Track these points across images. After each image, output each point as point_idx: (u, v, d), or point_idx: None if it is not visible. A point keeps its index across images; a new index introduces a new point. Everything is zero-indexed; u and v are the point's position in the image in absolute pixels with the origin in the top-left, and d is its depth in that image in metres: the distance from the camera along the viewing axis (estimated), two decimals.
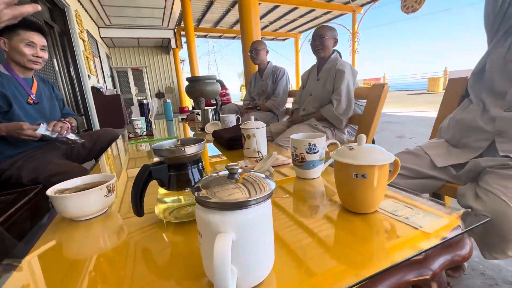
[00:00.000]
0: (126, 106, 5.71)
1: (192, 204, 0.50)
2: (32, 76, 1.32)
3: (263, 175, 0.33)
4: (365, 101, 1.64)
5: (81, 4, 5.72)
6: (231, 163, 0.32)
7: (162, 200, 0.50)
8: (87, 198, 0.49)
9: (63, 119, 1.47)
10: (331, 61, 1.66)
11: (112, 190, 0.54)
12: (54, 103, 1.44)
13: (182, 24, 7.29)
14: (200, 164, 0.51)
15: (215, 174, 0.33)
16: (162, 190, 0.49)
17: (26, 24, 1.18)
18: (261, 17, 8.77)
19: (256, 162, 0.81)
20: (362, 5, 8.17)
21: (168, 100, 2.65)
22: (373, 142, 2.51)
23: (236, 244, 0.28)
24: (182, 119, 2.58)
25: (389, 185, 0.60)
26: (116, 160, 1.20)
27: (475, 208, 0.66)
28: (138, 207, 0.43)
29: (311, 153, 0.63)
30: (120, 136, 1.76)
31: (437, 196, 1.00)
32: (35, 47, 1.21)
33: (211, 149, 1.18)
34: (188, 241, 0.44)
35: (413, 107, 7.03)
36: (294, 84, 12.46)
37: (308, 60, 1.82)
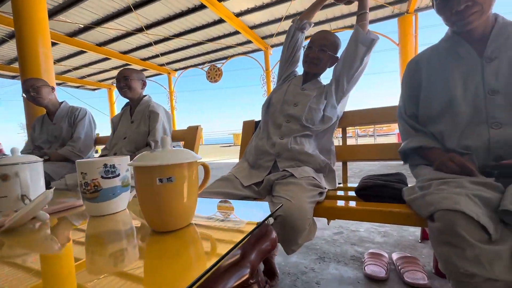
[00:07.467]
0: None
1: None
2: None
3: None
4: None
5: None
6: None
7: None
8: None
9: None
10: (143, 103, 1.61)
11: None
12: None
13: None
14: None
15: None
16: None
17: None
18: (61, 59, 7.35)
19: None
20: (176, 70, 9.12)
21: None
22: None
23: None
24: None
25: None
26: None
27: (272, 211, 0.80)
28: None
29: (110, 177, 0.49)
30: None
31: None
32: None
33: None
34: None
35: (224, 156, 8.63)
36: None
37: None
